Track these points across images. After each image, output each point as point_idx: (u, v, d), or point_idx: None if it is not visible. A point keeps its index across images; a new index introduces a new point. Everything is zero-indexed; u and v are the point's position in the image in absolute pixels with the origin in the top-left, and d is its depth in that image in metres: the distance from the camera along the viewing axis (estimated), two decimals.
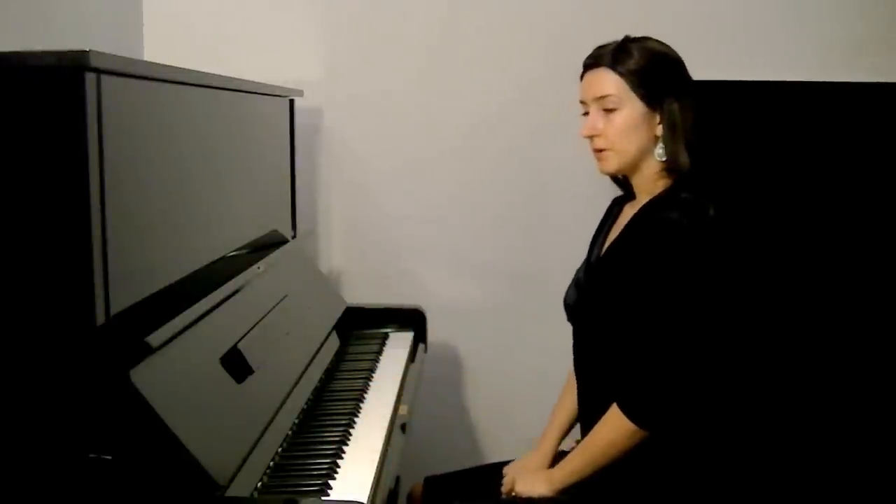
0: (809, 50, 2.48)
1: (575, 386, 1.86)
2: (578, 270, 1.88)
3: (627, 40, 1.75)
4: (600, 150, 1.75)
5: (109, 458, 1.17)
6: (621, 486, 1.69)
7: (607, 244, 1.80)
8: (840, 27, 2.48)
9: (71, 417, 1.17)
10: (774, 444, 2.36)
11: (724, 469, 1.75)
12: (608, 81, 1.72)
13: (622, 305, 1.68)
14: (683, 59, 1.77)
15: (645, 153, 1.74)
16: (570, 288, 1.87)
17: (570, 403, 1.91)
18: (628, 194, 1.87)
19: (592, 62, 1.76)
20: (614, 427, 1.66)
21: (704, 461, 1.71)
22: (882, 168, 2.36)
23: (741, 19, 2.49)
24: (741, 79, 2.35)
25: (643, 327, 1.64)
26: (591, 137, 1.75)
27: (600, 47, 1.77)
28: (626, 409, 1.64)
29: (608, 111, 1.72)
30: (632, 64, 1.71)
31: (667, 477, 1.68)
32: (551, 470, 1.78)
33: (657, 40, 1.77)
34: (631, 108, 1.71)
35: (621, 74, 1.71)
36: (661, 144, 1.72)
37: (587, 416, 1.78)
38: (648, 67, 1.71)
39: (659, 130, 1.73)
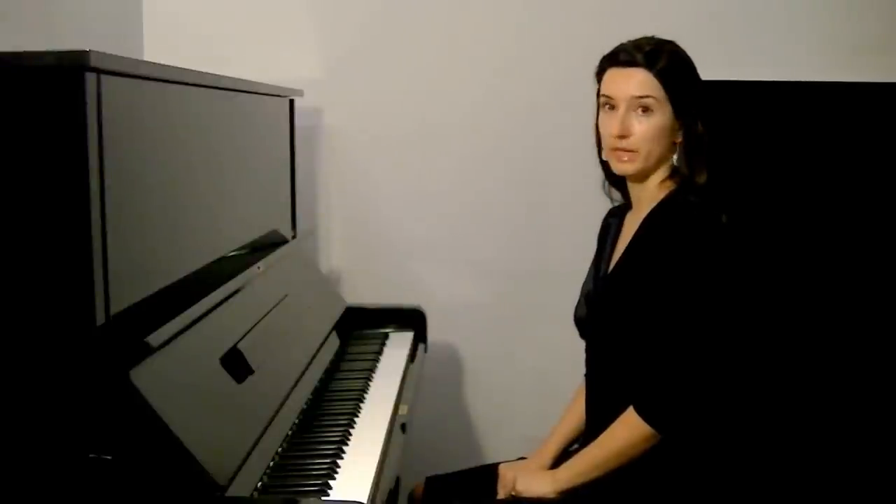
0: (809, 50, 2.48)
1: (584, 400, 1.85)
2: (585, 285, 1.86)
3: (660, 42, 1.71)
4: (627, 151, 1.69)
5: (109, 458, 1.17)
6: (626, 489, 1.68)
7: (616, 257, 1.78)
8: (840, 27, 2.48)
9: (71, 417, 1.17)
10: (782, 448, 2.35)
11: (733, 473, 1.75)
12: (647, 82, 1.68)
13: (640, 315, 1.66)
14: None
15: (663, 160, 1.71)
16: (579, 304, 1.85)
17: (577, 415, 1.90)
18: (623, 205, 1.85)
19: (628, 60, 1.69)
20: (629, 430, 1.64)
21: (712, 465, 1.70)
22: (882, 168, 2.35)
23: (741, 19, 2.49)
24: (740, 79, 2.35)
25: (662, 334, 1.64)
26: (619, 137, 1.69)
27: (635, 46, 1.70)
28: (643, 413, 1.63)
29: (643, 112, 1.68)
30: (669, 69, 1.67)
31: (673, 481, 1.67)
32: (555, 470, 1.77)
33: (677, 45, 1.74)
34: (664, 112, 1.68)
35: (659, 78, 1.67)
36: (679, 153, 1.71)
37: (595, 428, 1.77)
38: (682, 74, 1.69)
39: (679, 138, 1.71)
